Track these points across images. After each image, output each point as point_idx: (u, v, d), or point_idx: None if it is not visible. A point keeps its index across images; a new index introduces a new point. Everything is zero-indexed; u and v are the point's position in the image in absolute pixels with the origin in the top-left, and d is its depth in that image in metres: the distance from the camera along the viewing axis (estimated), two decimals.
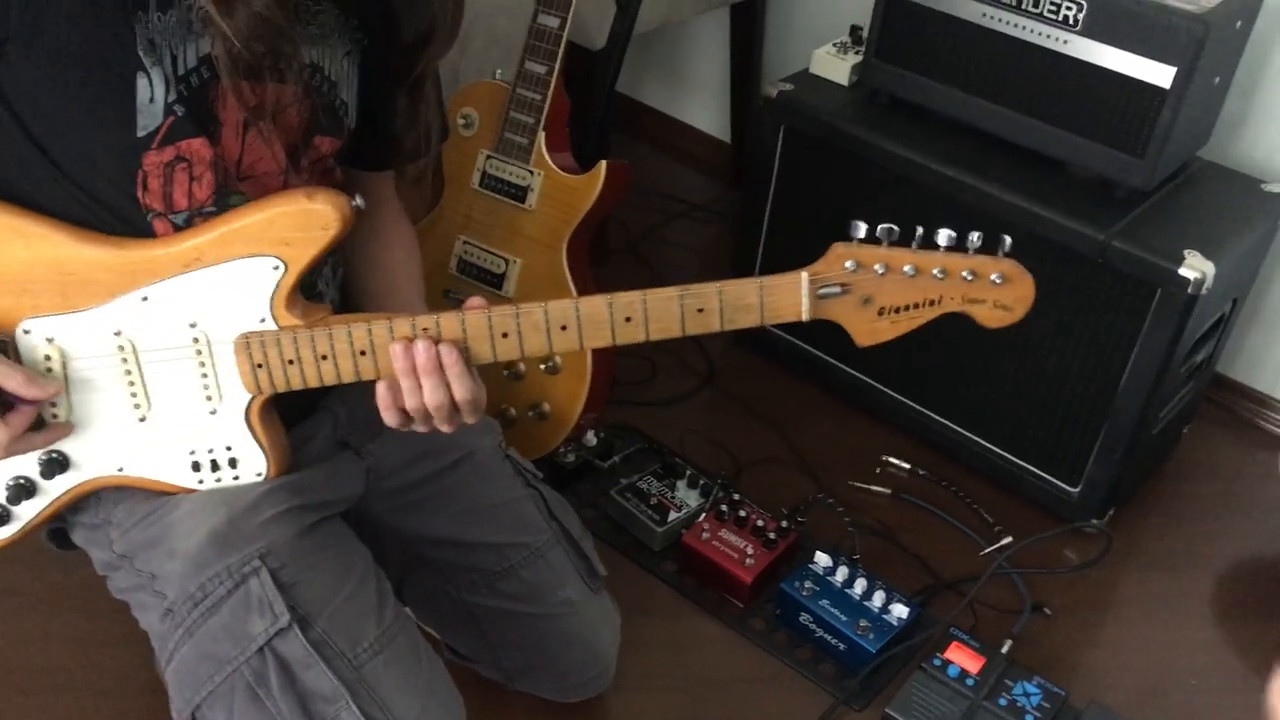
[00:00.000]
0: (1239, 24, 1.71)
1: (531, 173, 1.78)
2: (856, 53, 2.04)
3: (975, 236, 1.04)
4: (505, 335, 1.10)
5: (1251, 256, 1.87)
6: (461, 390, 1.10)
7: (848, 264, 1.05)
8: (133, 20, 1.02)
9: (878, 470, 2.02)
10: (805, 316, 1.07)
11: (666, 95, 2.87)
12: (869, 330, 1.08)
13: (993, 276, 1.05)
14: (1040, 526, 1.90)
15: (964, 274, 1.05)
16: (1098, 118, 1.73)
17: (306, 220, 1.07)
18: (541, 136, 1.76)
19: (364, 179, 1.33)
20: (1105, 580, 1.86)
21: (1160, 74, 1.65)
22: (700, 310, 1.08)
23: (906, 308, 1.07)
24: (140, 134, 1.05)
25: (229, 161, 1.11)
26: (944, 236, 1.04)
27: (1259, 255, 1.91)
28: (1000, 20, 1.76)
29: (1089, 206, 1.75)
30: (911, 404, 2.04)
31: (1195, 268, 1.64)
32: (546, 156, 1.77)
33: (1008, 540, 1.88)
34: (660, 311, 1.08)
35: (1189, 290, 1.65)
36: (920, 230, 1.05)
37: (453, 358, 1.09)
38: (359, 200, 1.11)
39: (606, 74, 2.01)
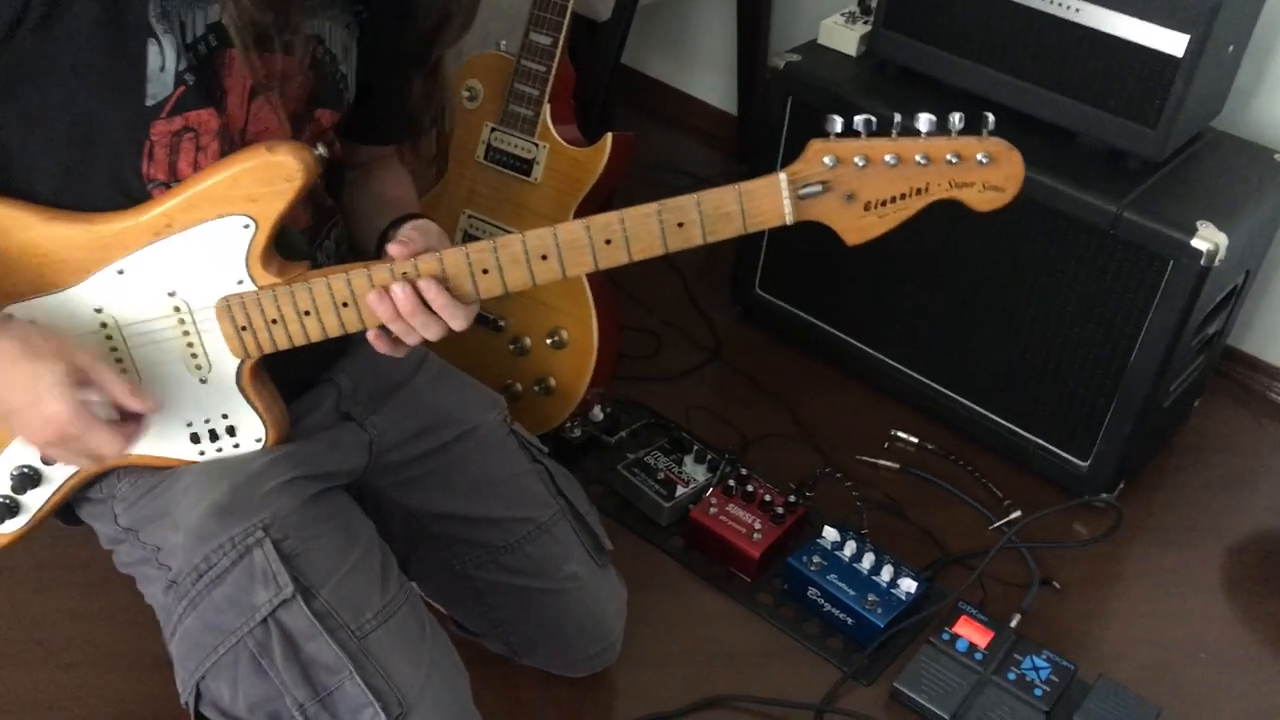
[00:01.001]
0: None
1: (536, 145, 1.76)
2: (865, 23, 2.01)
3: (957, 118, 0.99)
4: (486, 271, 1.08)
5: (1265, 228, 1.85)
6: (457, 320, 1.09)
7: (826, 160, 1.01)
8: None
9: (886, 444, 2.01)
10: (789, 219, 1.04)
11: (672, 67, 2.85)
12: (857, 228, 1.04)
13: (979, 157, 1.00)
14: (1049, 501, 1.89)
15: (948, 157, 1.00)
16: (1109, 87, 1.71)
17: (270, 173, 1.05)
18: (547, 109, 1.74)
19: (365, 152, 1.32)
20: (1115, 554, 1.85)
21: (1173, 42, 1.62)
22: (680, 225, 1.04)
23: (893, 199, 1.02)
24: (150, 103, 1.04)
25: (234, 130, 1.10)
26: (924, 121, 0.99)
27: (1272, 227, 1.89)
28: None
29: (1100, 177, 1.73)
30: (919, 377, 2.03)
31: (1208, 239, 1.62)
32: (552, 129, 1.75)
33: (1017, 514, 1.87)
34: (640, 230, 1.05)
35: (1201, 262, 1.63)
36: (899, 117, 1.00)
37: (434, 291, 1.07)
38: (321, 149, 1.09)
39: (612, 46, 1.99)
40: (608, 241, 1.06)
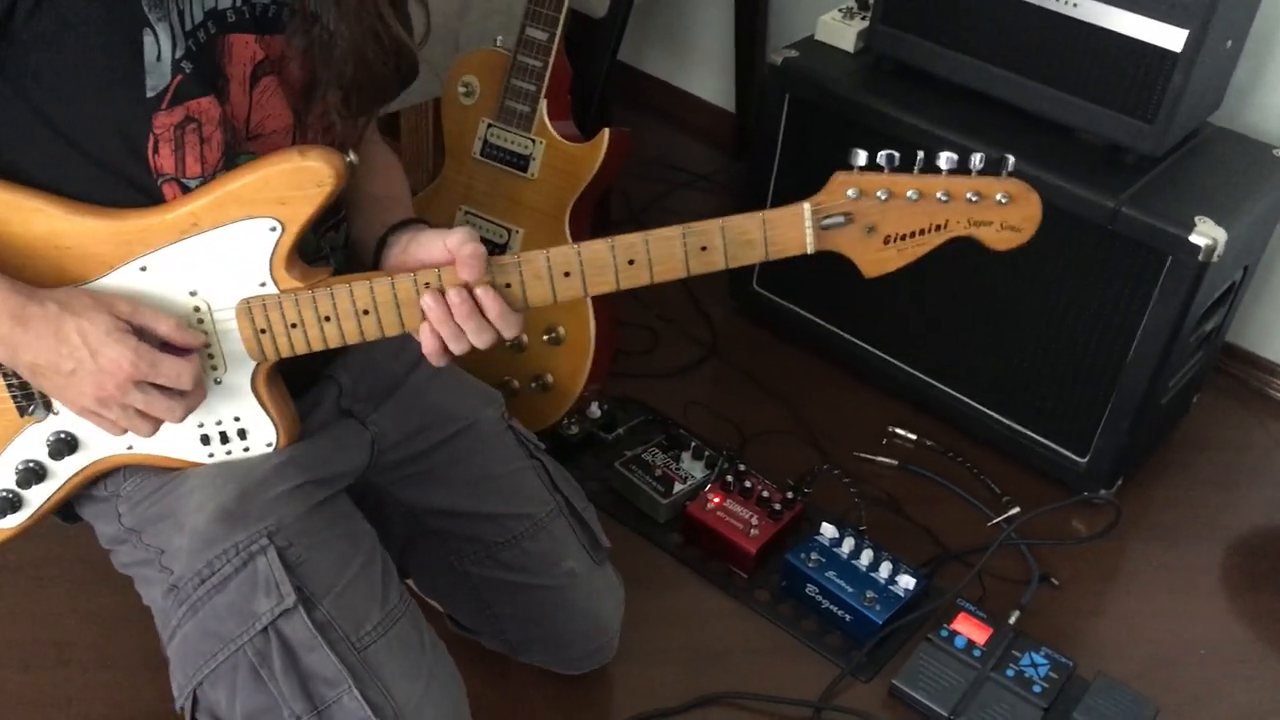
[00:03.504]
0: None
1: (533, 141, 1.76)
2: (862, 18, 2.01)
3: (978, 158, 1.02)
4: (509, 285, 1.09)
5: (1263, 223, 1.85)
6: (509, 328, 1.09)
7: (850, 192, 1.04)
8: None
9: (884, 441, 2.01)
10: (810, 249, 1.07)
11: (669, 64, 2.85)
12: (876, 260, 1.07)
13: (998, 196, 1.03)
14: (1048, 497, 1.89)
15: (969, 196, 1.03)
16: (1107, 82, 1.70)
17: (301, 178, 1.05)
18: (543, 104, 1.74)
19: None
20: (1113, 551, 1.85)
21: (1172, 37, 1.62)
22: (704, 248, 1.07)
23: (912, 234, 1.06)
24: (150, 94, 1.03)
25: (238, 119, 1.10)
26: (945, 160, 1.02)
27: (1270, 222, 1.88)
28: None
29: (1098, 173, 1.72)
30: (917, 374, 2.02)
31: (1206, 235, 1.62)
32: (549, 125, 1.74)
33: (1015, 511, 1.87)
34: (663, 252, 1.07)
35: (1199, 258, 1.63)
36: (921, 155, 1.03)
37: (490, 298, 1.07)
38: (353, 156, 1.09)
39: (608, 42, 1.99)
40: (631, 261, 1.07)
